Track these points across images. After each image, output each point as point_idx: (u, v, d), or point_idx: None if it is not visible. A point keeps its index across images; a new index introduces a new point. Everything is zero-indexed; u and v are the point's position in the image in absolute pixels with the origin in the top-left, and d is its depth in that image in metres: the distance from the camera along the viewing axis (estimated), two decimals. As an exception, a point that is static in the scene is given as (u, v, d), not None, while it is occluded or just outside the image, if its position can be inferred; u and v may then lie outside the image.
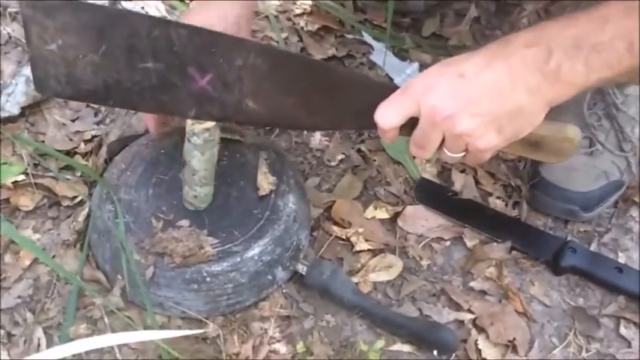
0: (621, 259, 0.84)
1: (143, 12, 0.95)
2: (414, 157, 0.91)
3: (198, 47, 0.59)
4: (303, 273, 0.75)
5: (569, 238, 0.85)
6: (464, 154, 0.61)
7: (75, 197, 0.81)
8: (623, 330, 0.78)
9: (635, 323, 0.78)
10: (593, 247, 0.85)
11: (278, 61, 0.61)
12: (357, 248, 0.82)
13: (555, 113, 0.91)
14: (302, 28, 1.05)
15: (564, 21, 0.56)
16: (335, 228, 0.83)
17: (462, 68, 0.58)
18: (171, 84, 0.61)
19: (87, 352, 0.70)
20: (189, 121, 0.65)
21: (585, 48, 0.55)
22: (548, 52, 0.55)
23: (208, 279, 0.71)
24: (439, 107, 0.58)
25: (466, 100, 0.57)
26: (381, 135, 0.62)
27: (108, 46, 0.59)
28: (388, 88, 0.62)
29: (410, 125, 0.61)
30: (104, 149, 0.84)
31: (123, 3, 1.01)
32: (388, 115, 0.60)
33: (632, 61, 0.55)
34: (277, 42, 1.02)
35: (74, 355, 0.69)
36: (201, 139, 0.66)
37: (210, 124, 0.65)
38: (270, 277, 0.74)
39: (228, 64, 0.60)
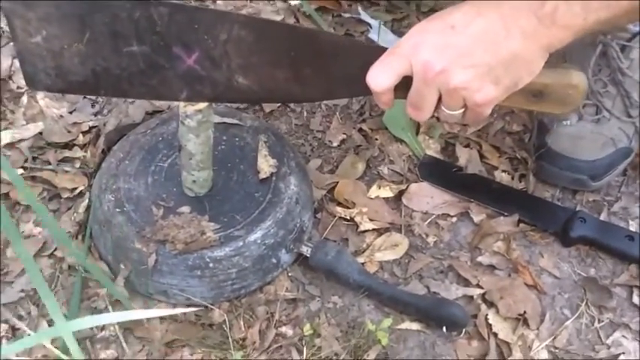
0: (632, 227, 0.82)
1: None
2: (417, 131, 0.89)
3: (180, 25, 0.58)
4: (308, 255, 0.75)
5: (578, 209, 0.83)
6: (463, 110, 0.59)
7: (75, 189, 0.80)
8: (636, 299, 0.76)
9: (648, 291, 0.77)
10: (602, 217, 0.83)
11: (263, 31, 0.60)
12: (362, 228, 0.81)
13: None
14: (298, 9, 1.04)
15: None
16: (339, 209, 0.82)
17: (452, 20, 0.56)
18: (158, 66, 0.60)
19: (92, 342, 0.70)
20: (181, 104, 0.64)
21: None
22: None
23: (211, 264, 0.70)
24: (431, 62, 0.55)
25: (458, 52, 0.55)
26: (377, 100, 0.60)
27: (91, 33, 0.58)
28: (378, 49, 0.60)
29: (405, 87, 0.59)
30: (102, 139, 0.84)
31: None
32: (379, 76, 0.58)
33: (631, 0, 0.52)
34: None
35: (81, 346, 0.69)
36: (194, 121, 0.65)
37: (202, 104, 0.64)
38: (274, 260, 0.74)
39: (212, 39, 0.59)
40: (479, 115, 0.60)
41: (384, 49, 0.60)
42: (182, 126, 0.66)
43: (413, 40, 0.57)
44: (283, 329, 0.73)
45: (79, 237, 0.77)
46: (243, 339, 0.71)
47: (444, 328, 0.72)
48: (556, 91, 0.60)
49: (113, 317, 0.57)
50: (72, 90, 0.66)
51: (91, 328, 0.71)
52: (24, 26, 0.57)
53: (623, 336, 0.74)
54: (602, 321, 0.75)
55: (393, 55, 0.58)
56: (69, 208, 0.80)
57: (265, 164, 0.76)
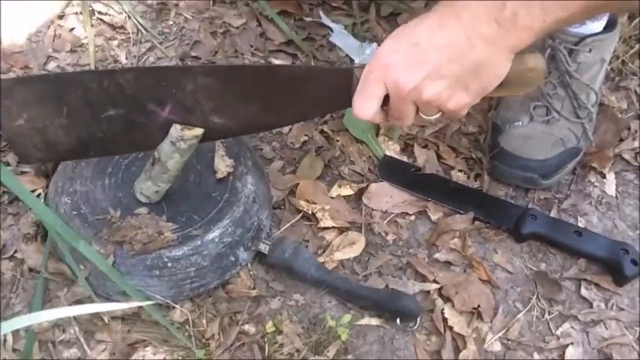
0: (581, 223, 0.85)
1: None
2: (377, 132, 0.91)
3: (148, 85, 0.62)
4: (266, 252, 0.76)
5: (529, 206, 0.86)
6: (440, 114, 0.63)
7: (34, 191, 0.80)
8: (584, 291, 0.79)
9: (595, 284, 0.80)
10: (553, 214, 0.86)
11: (226, 76, 0.64)
12: (323, 226, 0.82)
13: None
14: (260, 13, 1.05)
15: None
16: (300, 208, 0.84)
17: (416, 37, 0.58)
18: (137, 123, 0.64)
19: (54, 345, 0.70)
20: (178, 127, 0.66)
21: None
22: (502, 1, 0.55)
23: (170, 264, 0.71)
24: (401, 82, 0.59)
25: (426, 68, 0.58)
26: (372, 121, 0.64)
27: (68, 108, 0.63)
28: (338, 72, 0.64)
29: (387, 99, 0.63)
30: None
31: None
32: (364, 107, 0.62)
33: None
34: (237, 28, 1.02)
35: (42, 348, 0.69)
36: (187, 144, 0.67)
37: (199, 130, 0.66)
38: (232, 258, 0.75)
39: (181, 91, 0.63)
40: (456, 115, 0.63)
41: (344, 70, 0.64)
42: (171, 145, 0.67)
43: (382, 63, 0.60)
44: (246, 327, 0.74)
45: (39, 238, 0.77)
46: (206, 337, 0.72)
47: (398, 320, 0.74)
48: (515, 77, 0.62)
49: (71, 310, 0.58)
50: (63, 157, 0.72)
51: (52, 332, 0.71)
52: (6, 112, 0.61)
53: (572, 327, 0.77)
54: (552, 313, 0.78)
55: (368, 84, 0.61)
56: (27, 210, 0.80)
57: (222, 164, 0.77)
